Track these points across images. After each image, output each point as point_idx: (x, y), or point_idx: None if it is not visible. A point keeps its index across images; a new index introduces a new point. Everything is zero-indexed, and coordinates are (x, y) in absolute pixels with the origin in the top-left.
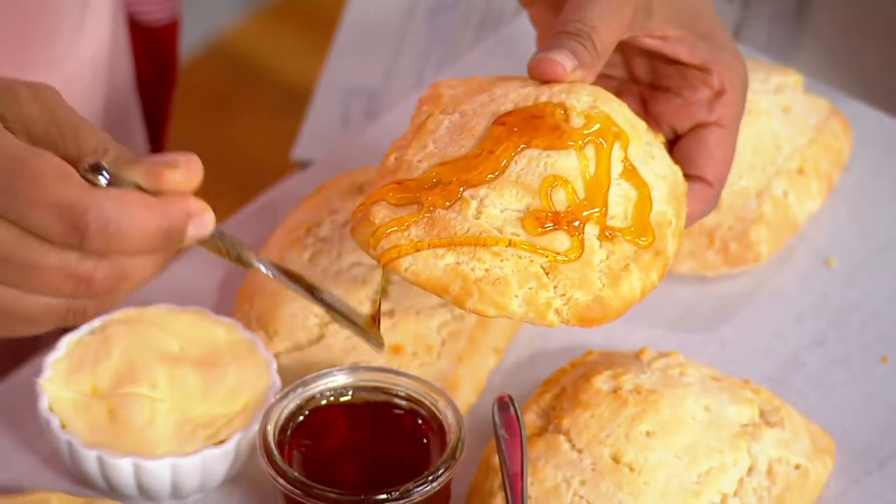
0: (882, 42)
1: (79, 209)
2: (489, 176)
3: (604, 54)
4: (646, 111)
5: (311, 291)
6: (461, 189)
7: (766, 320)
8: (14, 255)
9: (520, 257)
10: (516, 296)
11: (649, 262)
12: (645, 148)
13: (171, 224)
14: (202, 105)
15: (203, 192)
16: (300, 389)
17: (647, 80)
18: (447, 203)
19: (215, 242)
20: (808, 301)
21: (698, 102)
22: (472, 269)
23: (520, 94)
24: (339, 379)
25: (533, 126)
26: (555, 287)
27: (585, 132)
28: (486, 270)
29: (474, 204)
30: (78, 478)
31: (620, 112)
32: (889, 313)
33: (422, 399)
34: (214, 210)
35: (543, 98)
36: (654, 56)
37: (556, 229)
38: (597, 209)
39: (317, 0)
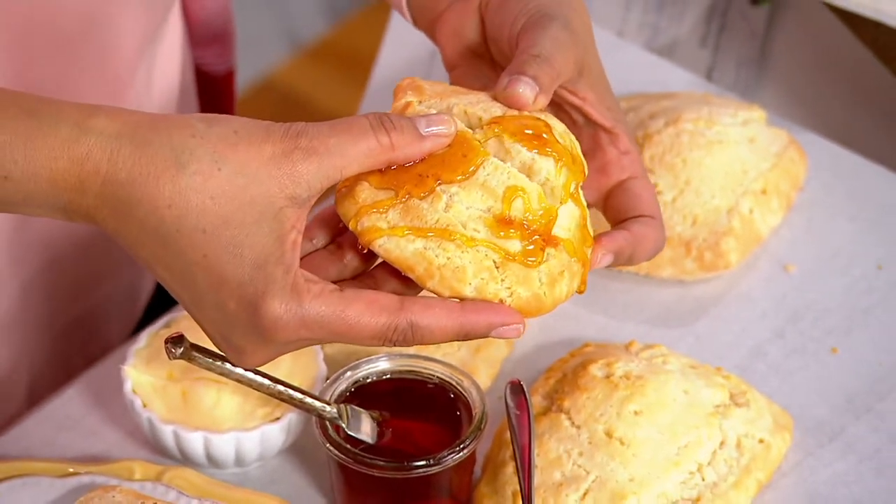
0: (832, 83)
1: (389, 330)
2: (460, 176)
3: (558, 80)
4: None
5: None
6: (436, 183)
7: (735, 317)
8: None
9: (477, 251)
10: (470, 283)
11: (576, 272)
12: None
13: (469, 329)
14: None
15: None
16: (349, 373)
17: None
18: (422, 194)
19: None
20: (770, 301)
21: (610, 163)
22: (437, 256)
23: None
24: (381, 364)
25: (521, 130)
26: (502, 280)
27: (565, 150)
28: (448, 258)
29: (445, 198)
30: (156, 449)
31: (576, 145)
32: (838, 311)
33: (450, 380)
34: None
35: (525, 112)
36: (570, 120)
37: (513, 237)
38: (550, 220)
39: (353, 42)
